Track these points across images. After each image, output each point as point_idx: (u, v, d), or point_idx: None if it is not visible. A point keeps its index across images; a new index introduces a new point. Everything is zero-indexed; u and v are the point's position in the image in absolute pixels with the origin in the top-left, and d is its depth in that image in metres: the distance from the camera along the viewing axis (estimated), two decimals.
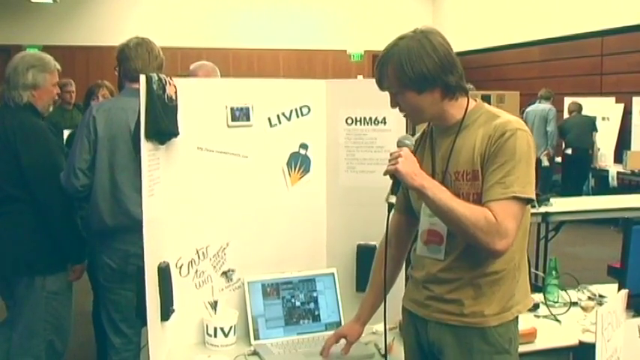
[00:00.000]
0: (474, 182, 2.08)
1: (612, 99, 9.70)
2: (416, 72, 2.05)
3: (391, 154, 2.09)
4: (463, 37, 13.82)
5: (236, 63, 13.98)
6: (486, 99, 4.92)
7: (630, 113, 9.25)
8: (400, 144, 2.13)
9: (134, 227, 2.95)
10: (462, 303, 2.14)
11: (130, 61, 3.37)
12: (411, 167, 2.05)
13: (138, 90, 2.43)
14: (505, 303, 2.14)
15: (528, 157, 2.04)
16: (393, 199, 2.10)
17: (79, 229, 3.45)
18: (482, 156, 2.07)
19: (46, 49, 13.60)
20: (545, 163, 9.97)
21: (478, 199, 2.06)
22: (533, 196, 2.05)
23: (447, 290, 2.18)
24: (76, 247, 3.44)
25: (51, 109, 3.56)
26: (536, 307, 2.98)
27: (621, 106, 9.54)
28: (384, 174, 2.08)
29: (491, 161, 2.05)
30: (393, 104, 2.18)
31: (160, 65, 3.42)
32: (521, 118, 8.97)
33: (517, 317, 2.20)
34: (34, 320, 3.37)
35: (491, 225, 1.98)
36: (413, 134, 4.77)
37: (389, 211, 2.14)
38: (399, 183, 2.07)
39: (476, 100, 2.20)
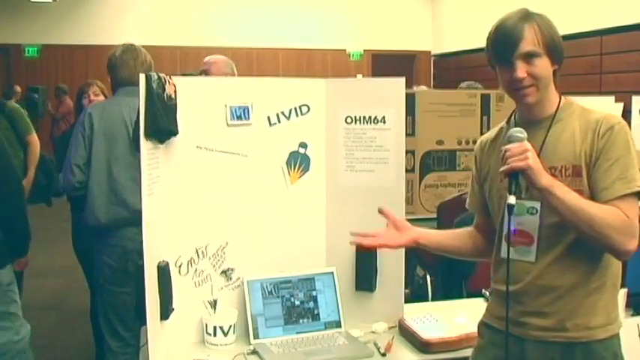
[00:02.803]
0: (575, 178, 1.94)
1: (611, 98, 9.68)
2: (557, 41, 1.98)
3: (508, 150, 1.89)
4: (462, 36, 13.81)
5: (235, 62, 13.89)
6: (486, 98, 4.91)
7: (630, 112, 9.24)
8: (515, 138, 1.93)
9: (132, 220, 2.96)
10: (564, 316, 1.98)
11: (117, 69, 3.42)
12: (539, 164, 1.88)
13: (132, 90, 2.44)
14: (610, 313, 1.99)
15: (635, 152, 1.92)
16: (513, 200, 1.92)
17: (28, 222, 3.30)
18: (587, 152, 1.93)
19: (45, 48, 13.65)
20: None
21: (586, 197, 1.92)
22: None
23: (544, 302, 2.00)
24: (27, 241, 3.33)
25: None
26: None
27: (620, 105, 9.53)
28: (509, 171, 1.89)
29: (603, 157, 1.91)
30: (521, 72, 1.95)
31: (149, 69, 3.44)
32: None
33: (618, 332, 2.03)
34: None
35: (625, 224, 1.86)
36: (412, 133, 4.77)
37: (509, 214, 1.95)
38: (517, 181, 1.91)
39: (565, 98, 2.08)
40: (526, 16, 1.98)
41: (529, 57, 1.96)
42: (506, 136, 1.99)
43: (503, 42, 1.98)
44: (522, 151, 1.87)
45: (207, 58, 4.24)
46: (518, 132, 1.95)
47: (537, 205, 2.00)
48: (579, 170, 1.95)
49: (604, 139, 1.92)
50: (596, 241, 1.90)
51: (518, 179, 1.91)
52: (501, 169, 1.92)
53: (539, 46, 1.95)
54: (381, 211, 2.35)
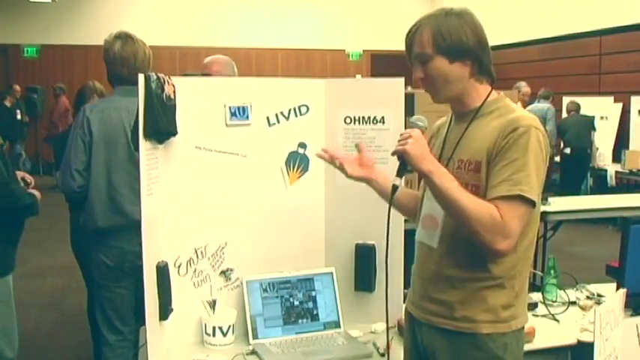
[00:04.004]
0: (475, 174, 2.01)
1: (611, 98, 9.70)
2: (454, 39, 2.01)
3: (401, 135, 2.01)
4: None
5: (234, 62, 13.97)
6: None
7: (629, 112, 9.25)
8: (412, 124, 2.06)
9: (130, 226, 2.95)
10: (453, 306, 2.05)
11: (116, 65, 3.35)
12: (419, 150, 1.96)
13: (130, 89, 2.42)
14: (500, 313, 2.03)
15: (539, 158, 1.94)
16: (397, 182, 2.02)
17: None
18: (490, 150, 1.97)
19: (44, 48, 13.66)
20: None
21: (476, 192, 1.97)
22: (537, 200, 1.94)
23: (438, 290, 2.09)
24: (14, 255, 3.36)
25: None
26: (534, 306, 2.98)
27: (619, 105, 9.54)
28: (392, 154, 2.01)
29: (500, 156, 1.95)
30: (419, 73, 2.08)
31: (149, 63, 3.40)
32: None
33: (519, 330, 2.08)
34: None
35: (496, 223, 1.89)
36: None
37: (392, 194, 2.06)
38: (405, 165, 1.99)
39: (499, 93, 2.12)
40: (428, 17, 2.08)
41: (421, 59, 2.07)
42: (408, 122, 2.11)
43: (405, 46, 2.14)
44: (406, 137, 1.97)
45: (207, 59, 4.20)
46: (418, 120, 2.09)
47: None
48: (479, 166, 2.00)
49: (506, 139, 1.95)
50: (469, 234, 1.94)
51: (406, 162, 1.99)
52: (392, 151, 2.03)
53: (430, 48, 2.03)
54: (357, 146, 2.43)
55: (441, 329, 2.09)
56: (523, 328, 2.12)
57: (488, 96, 2.09)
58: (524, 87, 9.00)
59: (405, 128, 2.06)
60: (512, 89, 7.80)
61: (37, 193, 3.42)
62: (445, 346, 2.09)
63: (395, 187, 2.04)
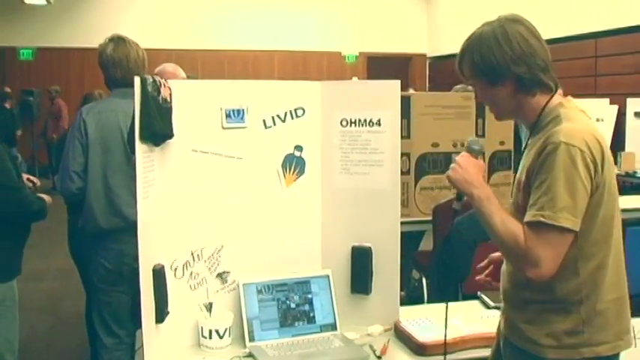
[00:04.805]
0: (519, 193, 1.99)
1: (606, 100, 9.72)
2: (485, 61, 1.99)
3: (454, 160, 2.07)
4: (458, 38, 13.76)
5: (231, 64, 13.97)
6: None
7: (624, 114, 9.26)
8: (467, 149, 2.09)
9: (128, 228, 2.96)
10: (519, 325, 2.04)
11: (109, 69, 3.37)
12: (462, 174, 2.02)
13: (127, 92, 2.42)
14: (564, 339, 1.96)
15: (572, 174, 1.83)
16: (457, 206, 2.15)
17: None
18: (529, 169, 1.94)
19: (40, 50, 13.64)
20: None
21: (522, 212, 1.93)
22: (569, 225, 1.84)
23: (509, 307, 2.12)
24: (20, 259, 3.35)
25: None
26: None
27: (615, 107, 9.56)
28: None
29: (534, 177, 1.91)
30: (475, 95, 2.15)
31: (143, 64, 3.41)
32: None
33: (598, 358, 1.97)
34: None
35: (519, 250, 1.88)
36: (407, 136, 4.79)
37: (453, 218, 2.19)
38: None
39: (566, 99, 2.04)
40: (467, 40, 2.08)
41: (470, 83, 2.12)
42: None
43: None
44: (455, 162, 2.06)
45: (157, 70, 4.18)
46: (474, 143, 2.11)
47: None
48: (524, 186, 1.97)
49: (541, 157, 1.89)
50: None
51: None
52: None
53: (470, 75, 2.08)
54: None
55: (511, 344, 2.09)
56: (612, 356, 2.00)
57: (544, 107, 2.01)
58: None
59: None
60: None
61: (47, 197, 3.42)
62: (513, 358, 2.10)
63: (455, 211, 2.17)
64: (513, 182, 2.11)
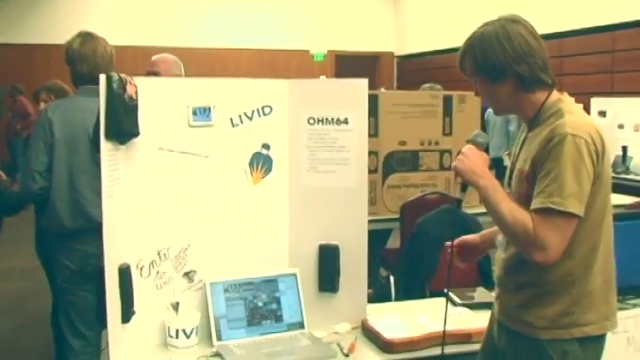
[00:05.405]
0: (527, 184, 2.06)
1: (571, 100, 9.85)
2: (487, 60, 2.08)
3: (459, 152, 2.16)
4: (425, 37, 13.91)
5: (198, 63, 13.86)
6: (448, 99, 4.96)
7: (589, 113, 9.40)
8: (471, 141, 2.19)
9: (93, 229, 2.92)
10: (514, 309, 2.15)
11: (76, 64, 3.32)
12: (469, 165, 2.11)
13: (94, 90, 2.40)
14: (557, 319, 2.06)
15: (578, 163, 1.95)
16: (461, 196, 2.25)
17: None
18: (534, 160, 2.04)
19: (2, 47, 13.42)
20: (507, 162, 10.05)
21: (527, 201, 2.02)
22: (575, 210, 1.95)
23: (504, 292, 2.22)
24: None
25: None
26: None
27: (580, 106, 9.68)
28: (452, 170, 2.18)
29: (540, 167, 2.00)
30: (475, 91, 2.23)
31: (110, 60, 3.37)
32: (483, 118, 9.06)
33: (586, 339, 2.07)
34: None
35: (528, 235, 1.97)
36: (375, 134, 4.80)
37: (458, 207, 2.30)
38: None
39: (562, 94, 2.15)
40: (468, 40, 2.16)
41: (471, 80, 2.20)
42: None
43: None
44: (460, 153, 2.15)
45: (154, 57, 4.16)
46: (478, 136, 2.21)
47: None
48: (527, 176, 2.07)
49: (545, 149, 2.00)
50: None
51: None
52: None
53: (471, 72, 2.17)
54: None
55: (507, 328, 2.19)
56: (599, 337, 2.10)
57: (543, 103, 2.12)
58: None
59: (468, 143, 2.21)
60: None
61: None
62: (508, 341, 2.19)
63: (459, 201, 2.28)
64: (504, 174, 2.24)
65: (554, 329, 2.06)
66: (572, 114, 2.06)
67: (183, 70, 4.10)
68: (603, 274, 2.09)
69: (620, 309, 2.85)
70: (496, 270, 2.30)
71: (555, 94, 2.14)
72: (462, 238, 2.49)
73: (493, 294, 2.37)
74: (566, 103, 2.12)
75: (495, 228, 2.40)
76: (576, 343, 2.06)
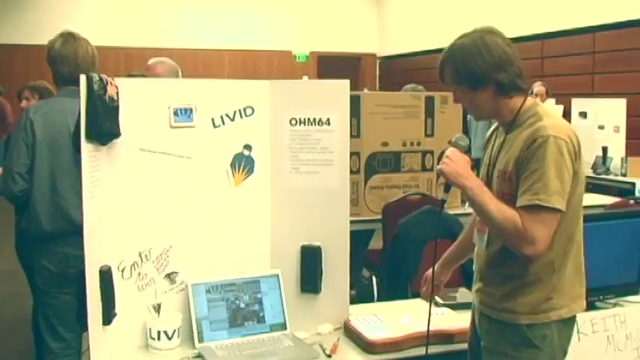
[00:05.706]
0: (509, 183, 2.19)
1: (552, 100, 9.91)
2: (468, 69, 2.19)
3: (442, 154, 2.29)
4: (408, 38, 13.95)
5: (180, 63, 13.75)
6: (430, 100, 4.97)
7: (569, 114, 9.46)
8: (453, 144, 2.29)
9: (74, 231, 2.90)
10: (497, 299, 2.26)
11: (57, 64, 3.30)
12: (454, 167, 2.21)
13: (75, 91, 2.38)
14: (538, 305, 2.20)
15: (559, 163, 2.09)
16: (444, 197, 2.37)
17: None
18: (517, 160, 2.16)
19: None
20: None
21: (510, 199, 2.15)
22: (559, 206, 2.09)
23: (486, 284, 2.32)
24: None
25: None
26: None
27: (561, 107, 9.75)
28: (437, 172, 2.29)
29: (524, 167, 2.13)
30: (454, 99, 2.33)
31: (92, 61, 3.35)
32: (465, 119, 9.09)
33: (562, 321, 2.23)
34: None
35: (518, 231, 2.09)
36: (357, 135, 4.81)
37: (441, 207, 2.43)
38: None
39: (535, 98, 2.25)
40: (447, 50, 2.27)
41: (451, 88, 2.31)
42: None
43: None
44: (445, 156, 2.26)
45: (151, 61, 4.14)
46: (459, 139, 2.32)
47: None
48: (510, 176, 2.19)
49: (528, 151, 2.13)
50: (502, 240, 2.21)
51: None
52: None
53: (451, 81, 2.28)
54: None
55: (487, 316, 2.32)
56: (570, 319, 2.27)
57: (520, 108, 2.24)
58: (537, 86, 8.47)
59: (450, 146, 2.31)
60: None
61: None
62: (489, 330, 2.31)
63: (443, 201, 2.41)
64: (487, 174, 2.34)
65: (534, 314, 2.21)
66: (550, 117, 2.20)
67: (180, 74, 4.08)
68: (574, 260, 2.25)
69: (600, 308, 2.89)
70: (476, 264, 2.40)
71: (530, 99, 2.27)
72: (441, 272, 2.69)
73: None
74: (542, 106, 2.26)
75: (464, 235, 2.61)
76: (554, 326, 2.22)
